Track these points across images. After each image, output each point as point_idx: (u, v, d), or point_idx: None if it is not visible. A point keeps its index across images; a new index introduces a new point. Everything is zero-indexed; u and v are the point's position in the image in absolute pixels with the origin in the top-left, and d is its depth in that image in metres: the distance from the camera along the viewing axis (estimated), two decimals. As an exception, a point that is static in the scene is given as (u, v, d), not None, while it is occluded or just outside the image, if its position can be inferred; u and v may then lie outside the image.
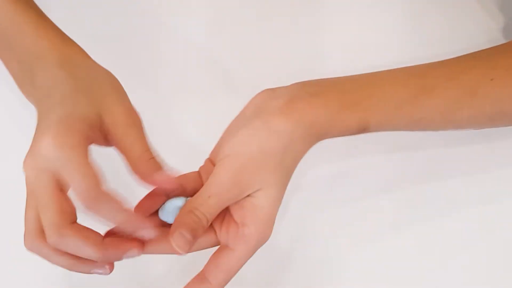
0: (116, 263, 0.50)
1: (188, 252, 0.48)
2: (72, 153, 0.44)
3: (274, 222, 0.50)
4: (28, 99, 0.53)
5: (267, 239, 0.51)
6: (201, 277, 0.50)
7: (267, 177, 0.49)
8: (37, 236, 0.46)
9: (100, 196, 0.45)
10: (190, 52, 0.65)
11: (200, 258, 0.51)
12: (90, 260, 0.47)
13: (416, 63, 0.56)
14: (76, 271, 0.48)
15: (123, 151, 0.49)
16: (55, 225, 0.44)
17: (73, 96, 0.48)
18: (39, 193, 0.45)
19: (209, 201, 0.48)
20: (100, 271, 0.49)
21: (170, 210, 0.50)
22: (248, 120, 0.51)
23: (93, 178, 0.45)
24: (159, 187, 0.49)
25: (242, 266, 0.50)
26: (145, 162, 0.48)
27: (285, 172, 0.50)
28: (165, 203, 0.51)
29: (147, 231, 0.47)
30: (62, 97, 0.48)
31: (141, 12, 0.67)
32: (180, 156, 0.57)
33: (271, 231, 0.50)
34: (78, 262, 0.47)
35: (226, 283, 0.50)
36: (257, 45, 0.65)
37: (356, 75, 0.53)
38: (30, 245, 0.47)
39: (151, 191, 0.51)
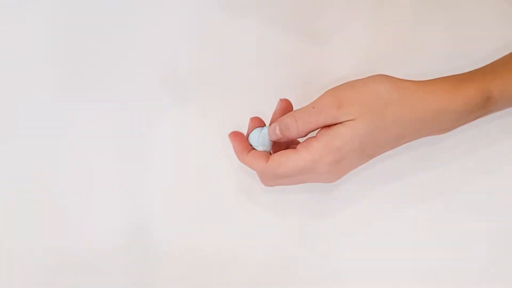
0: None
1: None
2: None
3: (339, 161, 0.51)
4: None
5: (327, 177, 0.53)
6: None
7: (364, 111, 0.50)
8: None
9: None
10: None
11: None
12: None
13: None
14: None
15: None
16: None
17: None
18: None
19: (311, 110, 0.51)
20: None
21: (255, 139, 0.55)
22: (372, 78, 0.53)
23: None
24: None
25: (293, 173, 0.53)
26: None
27: (382, 122, 0.51)
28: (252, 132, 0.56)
29: None
30: None
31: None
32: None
33: (337, 173, 0.53)
34: None
35: (274, 181, 0.54)
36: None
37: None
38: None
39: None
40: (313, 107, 0.52)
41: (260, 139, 0.55)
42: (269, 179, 0.55)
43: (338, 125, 0.51)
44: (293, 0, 0.63)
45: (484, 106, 0.53)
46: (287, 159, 0.52)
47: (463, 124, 0.54)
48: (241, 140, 0.55)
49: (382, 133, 0.51)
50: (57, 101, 0.61)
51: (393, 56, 0.63)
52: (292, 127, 0.52)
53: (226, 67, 0.63)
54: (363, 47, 0.63)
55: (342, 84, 0.52)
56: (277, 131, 0.53)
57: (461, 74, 0.54)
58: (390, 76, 0.52)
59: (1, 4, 0.62)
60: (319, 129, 0.53)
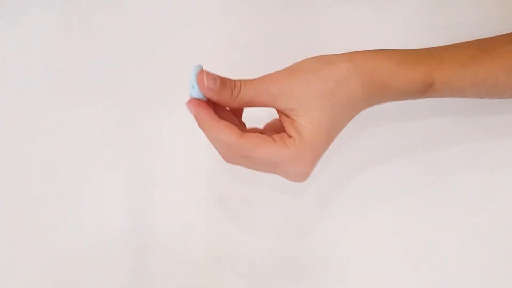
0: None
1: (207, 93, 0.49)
2: None
3: (316, 157, 0.49)
4: None
5: (301, 177, 0.50)
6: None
7: (310, 99, 0.49)
8: None
9: None
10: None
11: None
12: None
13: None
14: None
15: None
16: None
17: None
18: None
19: (252, 81, 0.49)
20: None
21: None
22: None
23: None
24: None
25: (266, 162, 0.49)
26: None
27: (336, 105, 0.50)
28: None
29: None
30: None
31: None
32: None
33: (311, 163, 0.49)
34: None
35: (240, 160, 0.50)
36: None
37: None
38: None
39: None
40: (269, 91, 0.50)
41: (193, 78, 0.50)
42: (236, 156, 0.50)
43: (299, 120, 0.49)
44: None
45: (424, 92, 0.53)
46: (265, 146, 0.49)
47: (401, 100, 0.54)
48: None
49: (340, 116, 0.51)
50: (60, 101, 0.62)
51: (397, 27, 0.62)
52: (231, 90, 0.50)
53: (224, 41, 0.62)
54: (364, 17, 0.62)
55: (292, 71, 0.51)
56: (218, 82, 0.49)
57: (408, 51, 0.53)
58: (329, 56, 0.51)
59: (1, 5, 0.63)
60: (279, 123, 0.52)
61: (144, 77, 0.63)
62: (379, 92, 0.51)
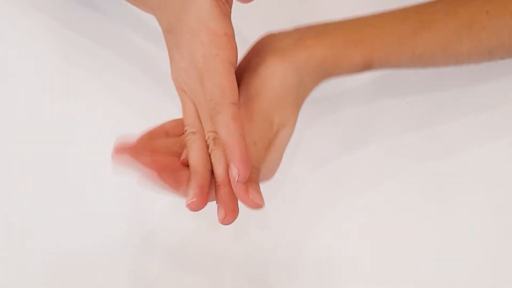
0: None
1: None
2: None
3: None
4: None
5: (274, 171, 0.52)
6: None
7: (289, 112, 0.52)
8: None
9: None
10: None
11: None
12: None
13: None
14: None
15: None
16: None
17: None
18: None
19: (257, 148, 0.50)
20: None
21: None
22: (261, 59, 0.52)
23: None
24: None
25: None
26: None
27: (298, 107, 0.53)
28: None
29: None
30: None
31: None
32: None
33: (278, 164, 0.52)
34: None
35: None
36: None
37: (358, 17, 0.55)
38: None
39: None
40: (255, 143, 0.50)
41: None
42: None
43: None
44: None
45: (361, 71, 0.55)
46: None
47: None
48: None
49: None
50: (60, 100, 0.62)
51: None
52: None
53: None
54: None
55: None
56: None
57: (349, 31, 0.54)
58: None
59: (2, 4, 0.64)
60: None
61: (144, 77, 0.63)
62: (324, 77, 0.54)
